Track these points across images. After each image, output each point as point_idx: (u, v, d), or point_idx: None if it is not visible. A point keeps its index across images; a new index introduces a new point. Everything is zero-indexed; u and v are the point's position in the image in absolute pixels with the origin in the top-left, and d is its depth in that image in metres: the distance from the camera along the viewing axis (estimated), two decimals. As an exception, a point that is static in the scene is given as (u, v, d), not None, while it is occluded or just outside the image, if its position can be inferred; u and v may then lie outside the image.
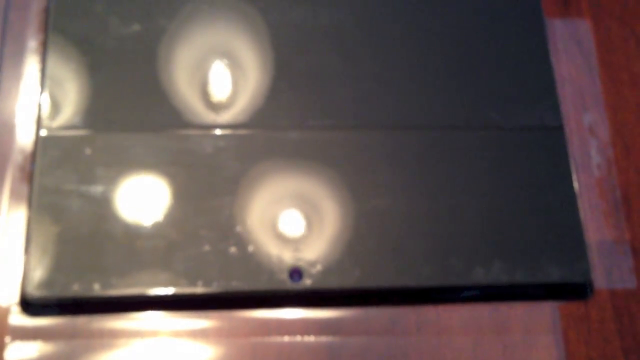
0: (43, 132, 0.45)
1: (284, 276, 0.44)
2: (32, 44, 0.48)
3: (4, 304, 0.43)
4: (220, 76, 0.49)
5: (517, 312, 0.46)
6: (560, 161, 0.49)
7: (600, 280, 0.47)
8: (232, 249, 0.44)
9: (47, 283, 0.42)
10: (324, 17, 0.50)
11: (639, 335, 0.46)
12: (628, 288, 0.47)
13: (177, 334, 0.43)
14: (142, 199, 0.44)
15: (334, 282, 0.44)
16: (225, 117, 0.47)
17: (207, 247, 0.44)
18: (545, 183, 0.48)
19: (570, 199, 0.48)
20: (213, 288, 0.43)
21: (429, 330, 0.45)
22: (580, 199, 0.48)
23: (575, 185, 0.48)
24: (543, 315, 0.46)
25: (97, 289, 0.42)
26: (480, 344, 0.45)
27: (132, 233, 0.43)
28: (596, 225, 0.48)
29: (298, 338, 0.44)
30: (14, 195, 0.45)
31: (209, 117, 0.47)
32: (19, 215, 0.45)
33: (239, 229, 0.44)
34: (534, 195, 0.47)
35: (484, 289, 0.46)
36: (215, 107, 0.47)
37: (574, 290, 0.47)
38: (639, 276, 0.47)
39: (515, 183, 0.47)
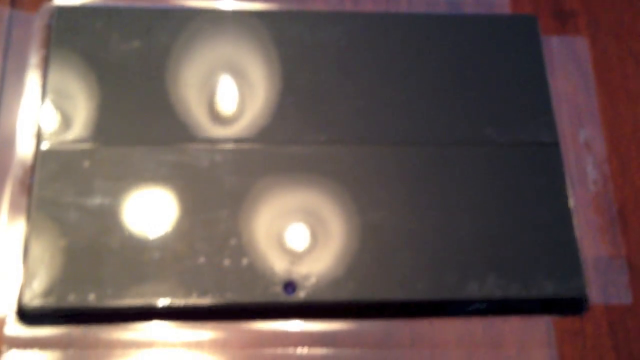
0: (44, 146, 0.46)
1: (278, 289, 0.44)
2: (34, 59, 0.49)
3: (0, 314, 0.43)
4: (220, 91, 0.49)
5: (512, 326, 0.46)
6: (556, 177, 0.49)
7: (595, 295, 0.47)
8: (227, 262, 0.44)
9: (43, 293, 0.42)
10: (324, 33, 0.51)
11: (634, 351, 0.46)
12: (623, 304, 0.47)
13: (172, 345, 0.43)
14: (139, 211, 0.45)
15: (328, 295, 0.44)
16: (225, 131, 0.48)
17: (202, 260, 0.44)
18: (541, 198, 0.48)
19: (565, 214, 0.48)
20: (208, 300, 0.43)
21: (423, 344, 0.45)
22: (576, 215, 0.49)
23: (571, 200, 0.48)
24: (538, 329, 0.46)
25: (93, 300, 0.42)
26: (475, 358, 0.45)
27: (129, 245, 0.44)
28: (592, 240, 0.48)
29: (292, 350, 0.44)
30: (13, 208, 0.45)
31: (208, 131, 0.48)
32: (18, 227, 0.45)
33: (234, 241, 0.45)
34: (530, 211, 0.47)
35: (484, 303, 0.46)
36: (214, 121, 0.48)
37: (569, 305, 0.47)
38: (635, 292, 0.47)
39: (511, 198, 0.48)
